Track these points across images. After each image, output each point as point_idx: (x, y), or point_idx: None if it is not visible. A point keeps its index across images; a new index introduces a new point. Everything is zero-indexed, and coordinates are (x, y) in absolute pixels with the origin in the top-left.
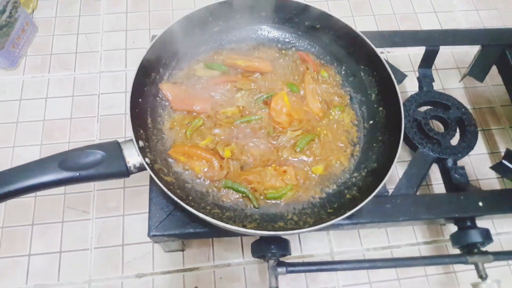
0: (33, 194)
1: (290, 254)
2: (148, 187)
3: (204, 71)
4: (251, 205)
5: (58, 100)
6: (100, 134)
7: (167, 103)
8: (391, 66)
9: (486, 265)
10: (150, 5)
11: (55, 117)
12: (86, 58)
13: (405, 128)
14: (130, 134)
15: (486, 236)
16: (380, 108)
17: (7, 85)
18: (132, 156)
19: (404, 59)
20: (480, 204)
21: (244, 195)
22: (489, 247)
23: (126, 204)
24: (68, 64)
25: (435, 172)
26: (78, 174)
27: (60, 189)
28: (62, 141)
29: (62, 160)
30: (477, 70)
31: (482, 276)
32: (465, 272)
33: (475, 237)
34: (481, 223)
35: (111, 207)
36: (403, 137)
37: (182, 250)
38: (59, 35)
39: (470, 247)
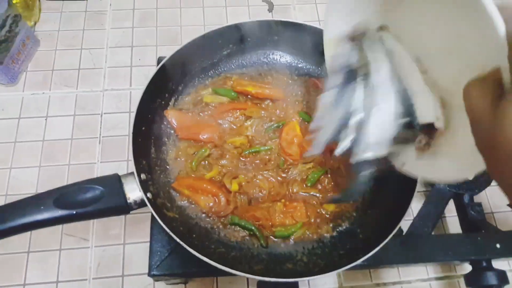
0: None
1: None
2: (150, 214)
3: (212, 97)
4: (258, 244)
5: (59, 119)
6: (102, 156)
7: (172, 131)
8: None
9: None
10: (158, 21)
11: (55, 137)
12: (90, 75)
13: None
14: (132, 158)
15: (503, 278)
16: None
17: (5, 102)
18: (133, 191)
19: None
20: (498, 246)
21: (251, 232)
22: None
23: (127, 232)
24: (70, 81)
25: (449, 204)
26: (74, 212)
27: None
28: (62, 163)
29: (57, 197)
30: None
31: None
32: None
33: (491, 279)
34: (497, 263)
35: (112, 234)
36: None
37: (185, 283)
38: (62, 50)
39: None
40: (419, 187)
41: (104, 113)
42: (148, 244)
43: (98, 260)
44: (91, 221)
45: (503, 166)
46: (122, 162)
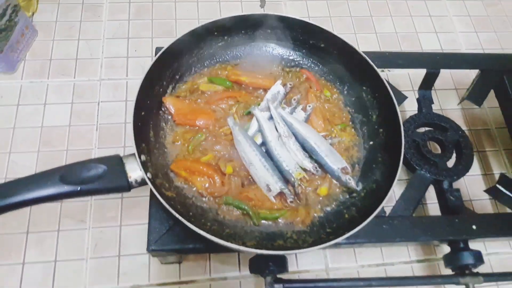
0: None
1: (287, 272)
2: (146, 197)
3: (208, 85)
4: (251, 223)
5: (56, 107)
6: (99, 142)
7: (169, 117)
8: (392, 87)
9: (476, 286)
10: (154, 14)
11: (53, 124)
12: (87, 64)
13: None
14: (129, 144)
15: (478, 258)
16: (381, 130)
17: (4, 89)
18: (134, 171)
19: (404, 79)
20: (474, 227)
21: (244, 212)
22: (480, 268)
23: (123, 214)
24: (68, 70)
25: (429, 192)
26: (79, 188)
27: None
28: (60, 149)
29: (63, 173)
30: (475, 95)
31: None
32: None
33: (468, 259)
34: (473, 245)
35: (109, 217)
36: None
37: (179, 263)
38: (59, 40)
39: (462, 268)
40: (401, 176)
41: (101, 102)
42: (144, 226)
43: (95, 241)
44: (89, 203)
45: None
46: (118, 148)
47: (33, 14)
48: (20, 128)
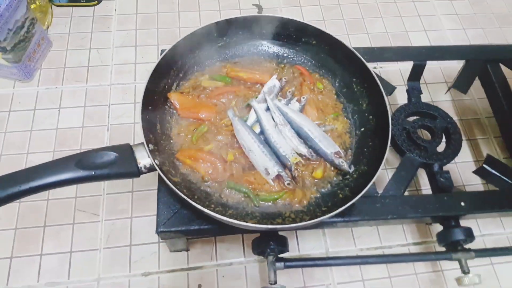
0: (45, 198)
1: (288, 251)
2: (155, 191)
3: (209, 82)
4: (252, 204)
5: (70, 110)
6: (110, 141)
7: (174, 111)
8: (382, 79)
9: (470, 263)
10: (159, 23)
11: (67, 125)
12: (98, 71)
13: (394, 136)
14: (138, 142)
15: (468, 234)
16: (371, 117)
17: (22, 96)
18: (143, 158)
19: (395, 74)
20: (462, 204)
21: (246, 195)
22: (473, 246)
23: (134, 207)
24: (80, 76)
25: (424, 178)
26: (93, 172)
27: (71, 193)
28: (74, 148)
29: (78, 160)
30: (461, 83)
31: (465, 271)
32: (452, 271)
33: (458, 235)
34: (465, 223)
35: (120, 209)
36: (394, 144)
37: (187, 250)
38: (72, 50)
39: (454, 245)
40: (394, 163)
41: (112, 104)
42: (153, 217)
43: (107, 232)
44: (101, 198)
45: None
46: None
47: (48, 27)
48: (37, 130)
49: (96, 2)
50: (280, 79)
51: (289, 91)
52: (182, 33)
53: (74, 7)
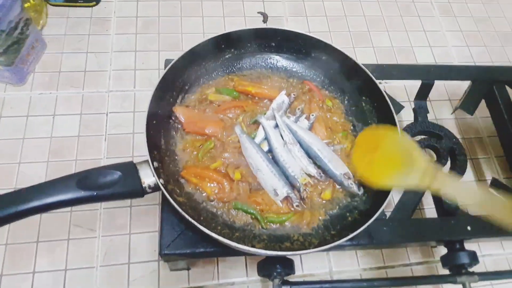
0: None
1: (294, 273)
2: (154, 206)
3: (216, 96)
4: (259, 226)
5: (65, 118)
6: (108, 152)
7: (179, 126)
8: (389, 97)
9: (472, 284)
10: (160, 28)
11: (62, 134)
12: (95, 77)
13: None
14: (137, 154)
15: (473, 257)
16: None
17: (14, 101)
18: (147, 177)
19: (400, 89)
20: (469, 228)
21: (253, 216)
22: (475, 268)
23: (133, 222)
24: (76, 82)
25: (427, 197)
26: (95, 193)
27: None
28: (69, 159)
29: (80, 179)
30: (468, 104)
31: None
32: None
33: (463, 259)
34: (468, 246)
35: (118, 225)
36: None
37: (188, 269)
38: (68, 53)
39: (458, 268)
40: None
41: (109, 113)
42: (152, 233)
43: (105, 249)
44: (98, 212)
45: None
46: (127, 158)
47: (42, 27)
48: (30, 138)
49: (94, 3)
50: (289, 95)
51: (299, 108)
52: (185, 38)
53: (70, 7)
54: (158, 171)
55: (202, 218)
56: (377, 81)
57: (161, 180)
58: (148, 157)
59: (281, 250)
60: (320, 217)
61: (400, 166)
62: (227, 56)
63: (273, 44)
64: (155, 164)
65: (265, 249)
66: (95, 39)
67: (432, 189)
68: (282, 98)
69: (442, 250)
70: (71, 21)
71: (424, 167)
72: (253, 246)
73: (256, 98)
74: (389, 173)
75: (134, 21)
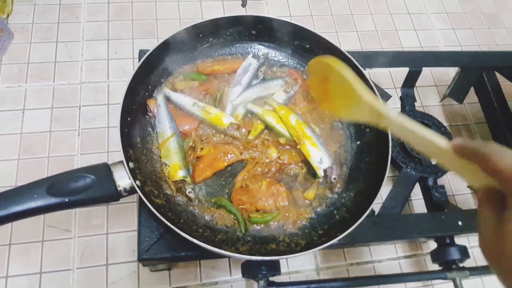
0: None
1: (280, 274)
2: (132, 204)
3: (184, 83)
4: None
5: (36, 112)
6: (82, 148)
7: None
8: (376, 85)
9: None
10: (134, 14)
11: (33, 130)
12: (66, 68)
13: None
14: (113, 149)
15: (464, 253)
16: (367, 129)
17: None
18: (122, 179)
19: (385, 76)
20: (460, 223)
21: (235, 217)
22: (465, 262)
23: (110, 222)
24: (46, 74)
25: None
26: (67, 199)
27: None
28: (41, 156)
29: (50, 184)
30: (456, 92)
31: None
32: (442, 285)
33: (454, 254)
34: (458, 239)
35: (94, 225)
36: None
37: (169, 269)
38: (37, 42)
39: (449, 264)
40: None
41: (82, 106)
42: (131, 233)
43: (81, 250)
44: (73, 212)
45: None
46: (102, 154)
47: (8, 16)
48: None
49: None
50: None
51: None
52: (160, 25)
53: None
54: (134, 172)
55: (182, 220)
56: (364, 71)
57: (138, 182)
58: (123, 158)
59: (266, 252)
60: (306, 215)
61: (349, 100)
62: (205, 46)
63: (253, 32)
64: (131, 164)
65: (250, 252)
66: (64, 27)
67: (380, 126)
68: (249, 61)
69: (431, 243)
70: (39, 8)
71: (369, 104)
72: (236, 249)
73: (226, 75)
74: (342, 105)
75: (105, 7)
